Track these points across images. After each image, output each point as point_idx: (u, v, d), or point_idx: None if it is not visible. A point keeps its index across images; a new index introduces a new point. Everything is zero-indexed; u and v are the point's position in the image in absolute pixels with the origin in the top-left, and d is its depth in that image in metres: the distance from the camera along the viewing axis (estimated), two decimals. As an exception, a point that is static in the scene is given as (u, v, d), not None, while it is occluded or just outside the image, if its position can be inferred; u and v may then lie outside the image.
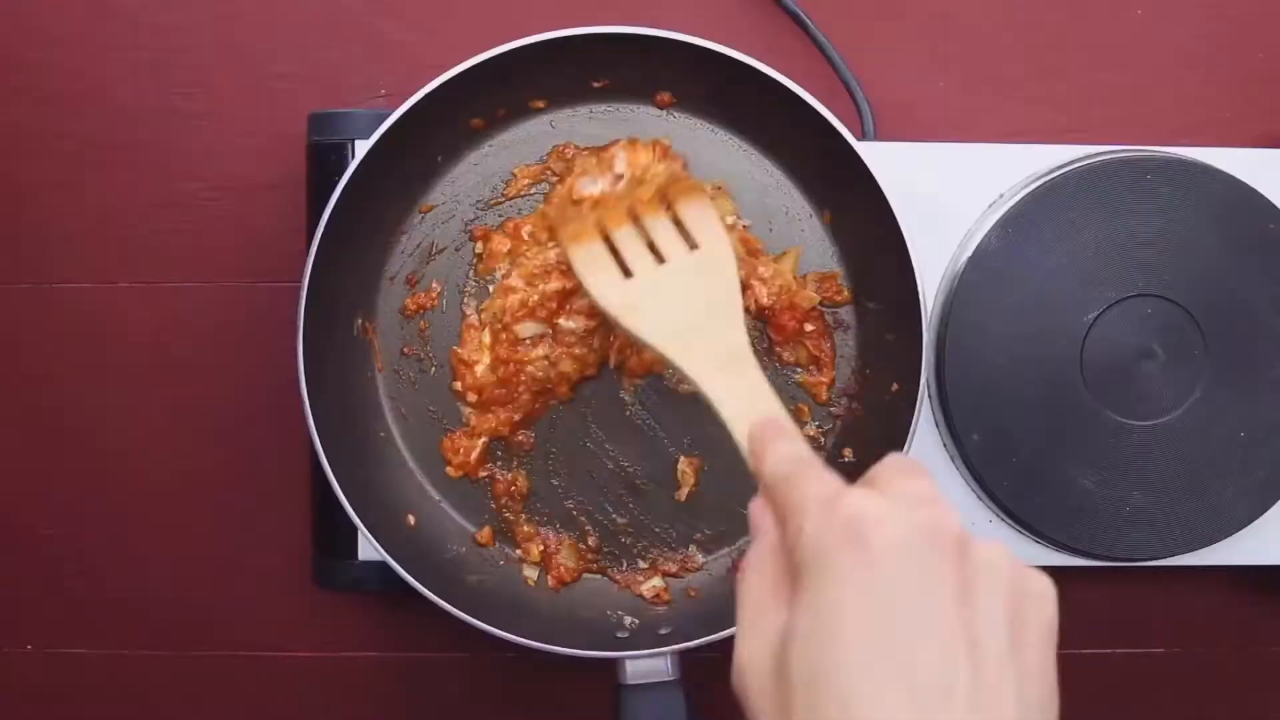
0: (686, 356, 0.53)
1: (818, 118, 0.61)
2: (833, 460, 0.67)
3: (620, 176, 0.60)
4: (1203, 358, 0.65)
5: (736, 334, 0.54)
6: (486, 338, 0.66)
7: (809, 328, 0.66)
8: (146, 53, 0.70)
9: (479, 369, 0.66)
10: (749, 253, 0.66)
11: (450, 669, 0.73)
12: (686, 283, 0.56)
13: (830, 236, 0.67)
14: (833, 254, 0.67)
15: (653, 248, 0.58)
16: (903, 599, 0.37)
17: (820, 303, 0.67)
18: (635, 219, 0.58)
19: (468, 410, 0.67)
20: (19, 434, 0.72)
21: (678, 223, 0.58)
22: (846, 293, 0.67)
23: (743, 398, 0.50)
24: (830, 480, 0.41)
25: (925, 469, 0.42)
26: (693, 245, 0.57)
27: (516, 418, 0.66)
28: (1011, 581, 0.39)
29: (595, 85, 0.66)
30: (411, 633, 0.73)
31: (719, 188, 0.67)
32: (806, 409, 0.67)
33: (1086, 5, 0.72)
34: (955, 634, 0.36)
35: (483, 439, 0.67)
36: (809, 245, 0.67)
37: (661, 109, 0.67)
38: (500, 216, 0.67)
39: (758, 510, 0.43)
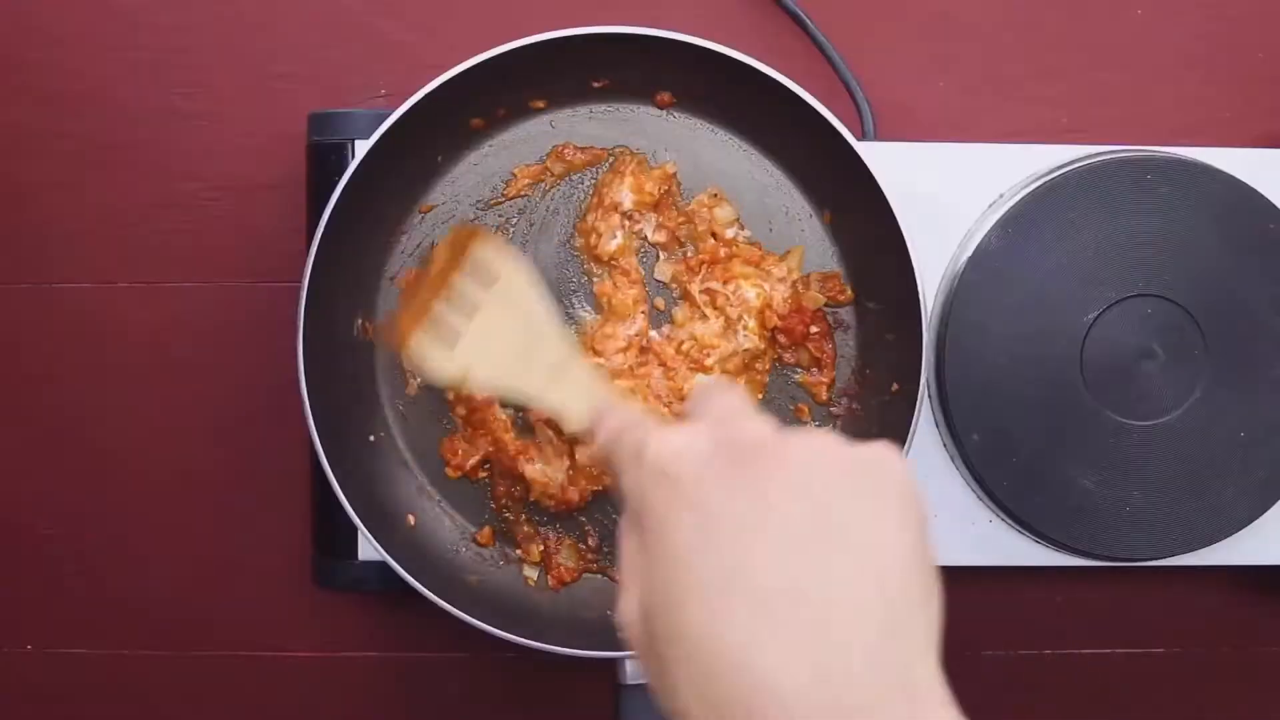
0: (522, 385, 0.54)
1: (818, 118, 0.61)
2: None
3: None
4: (1203, 358, 0.65)
5: (556, 345, 0.54)
6: None
7: (814, 329, 0.66)
8: (146, 53, 0.70)
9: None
10: (750, 260, 0.66)
11: (450, 669, 0.73)
12: (495, 320, 0.56)
13: (830, 236, 0.67)
14: (833, 254, 0.67)
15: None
16: (726, 523, 0.35)
17: (824, 303, 0.67)
18: (445, 290, 0.58)
19: (460, 420, 0.67)
20: (19, 434, 0.72)
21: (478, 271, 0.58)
22: (849, 292, 0.67)
23: (579, 396, 0.51)
24: (644, 429, 0.40)
25: (737, 386, 0.41)
26: (492, 281, 0.57)
27: (519, 445, 0.67)
28: (842, 462, 0.37)
29: (595, 85, 0.66)
30: (411, 633, 0.73)
31: (715, 195, 0.67)
32: (806, 409, 0.67)
33: (1086, 5, 0.72)
34: (790, 542, 0.35)
35: (476, 456, 0.67)
36: (809, 245, 0.67)
37: (661, 109, 0.67)
38: (500, 217, 0.67)
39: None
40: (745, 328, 0.66)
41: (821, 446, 0.38)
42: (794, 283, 0.66)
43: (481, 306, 0.57)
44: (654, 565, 0.37)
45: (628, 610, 0.39)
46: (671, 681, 0.36)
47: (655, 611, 0.36)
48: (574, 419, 0.50)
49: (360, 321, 0.66)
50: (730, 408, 0.40)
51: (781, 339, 0.67)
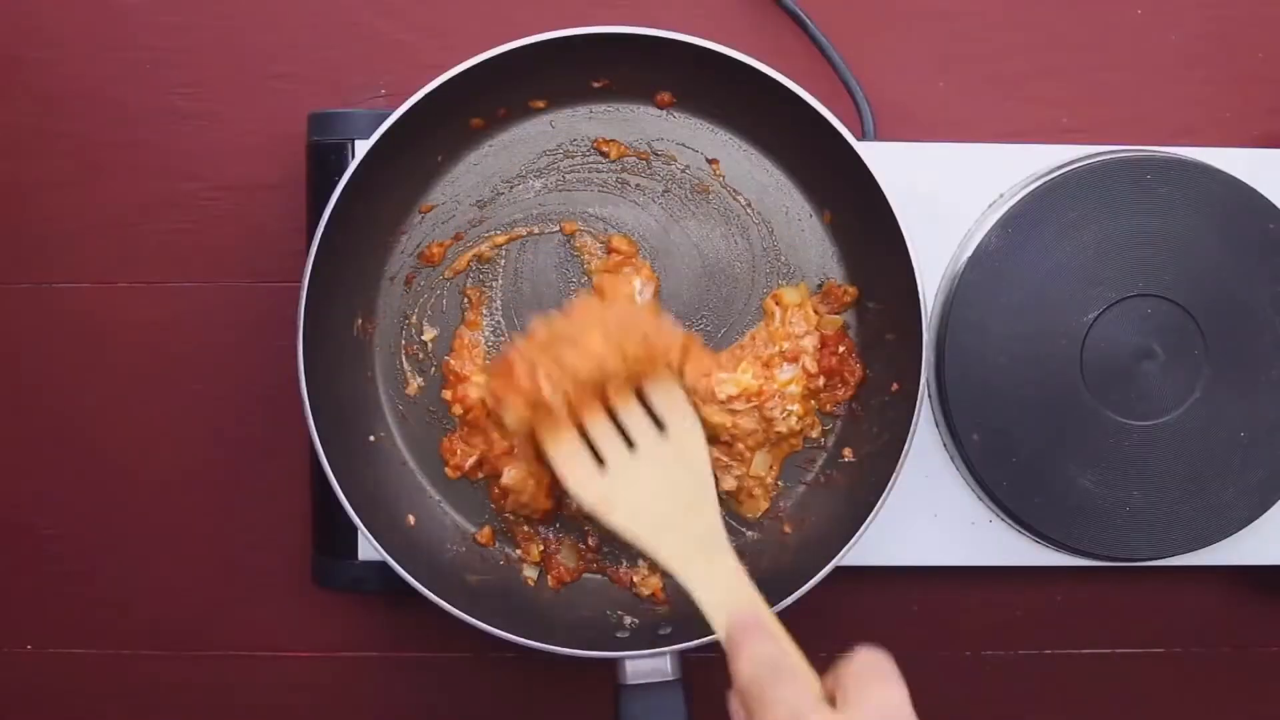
0: (660, 545, 0.54)
1: (818, 118, 0.61)
2: (833, 460, 0.67)
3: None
4: (1203, 358, 0.65)
5: (709, 518, 0.54)
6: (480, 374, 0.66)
7: (840, 348, 0.66)
8: (146, 53, 0.70)
9: (471, 390, 0.66)
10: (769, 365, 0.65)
11: (450, 669, 0.73)
12: (657, 470, 0.56)
13: (830, 236, 0.67)
14: (833, 254, 0.67)
15: (624, 431, 0.57)
16: None
17: (842, 322, 0.67)
18: (606, 402, 0.57)
19: (458, 420, 0.67)
20: (19, 434, 0.72)
21: (646, 404, 0.58)
22: (852, 291, 0.66)
23: (719, 585, 0.51)
24: (799, 692, 0.41)
25: (893, 670, 0.42)
26: (661, 427, 0.57)
27: (505, 446, 0.66)
28: None
29: (595, 85, 0.66)
30: (411, 633, 0.73)
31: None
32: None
33: (1087, 5, 0.72)
34: None
35: (474, 457, 0.67)
36: (809, 245, 0.67)
37: (661, 109, 0.67)
38: (499, 226, 0.67)
39: (734, 708, 0.44)
40: (788, 413, 0.65)
41: None
42: (817, 322, 0.66)
43: (643, 447, 0.56)
44: None
45: None
46: None
47: None
48: (711, 614, 0.50)
49: (360, 321, 0.66)
50: (890, 708, 0.40)
51: (823, 381, 0.66)
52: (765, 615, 0.49)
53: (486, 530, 0.67)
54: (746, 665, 0.45)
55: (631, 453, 0.56)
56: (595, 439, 0.56)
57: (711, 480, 0.56)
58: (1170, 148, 0.67)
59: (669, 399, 0.57)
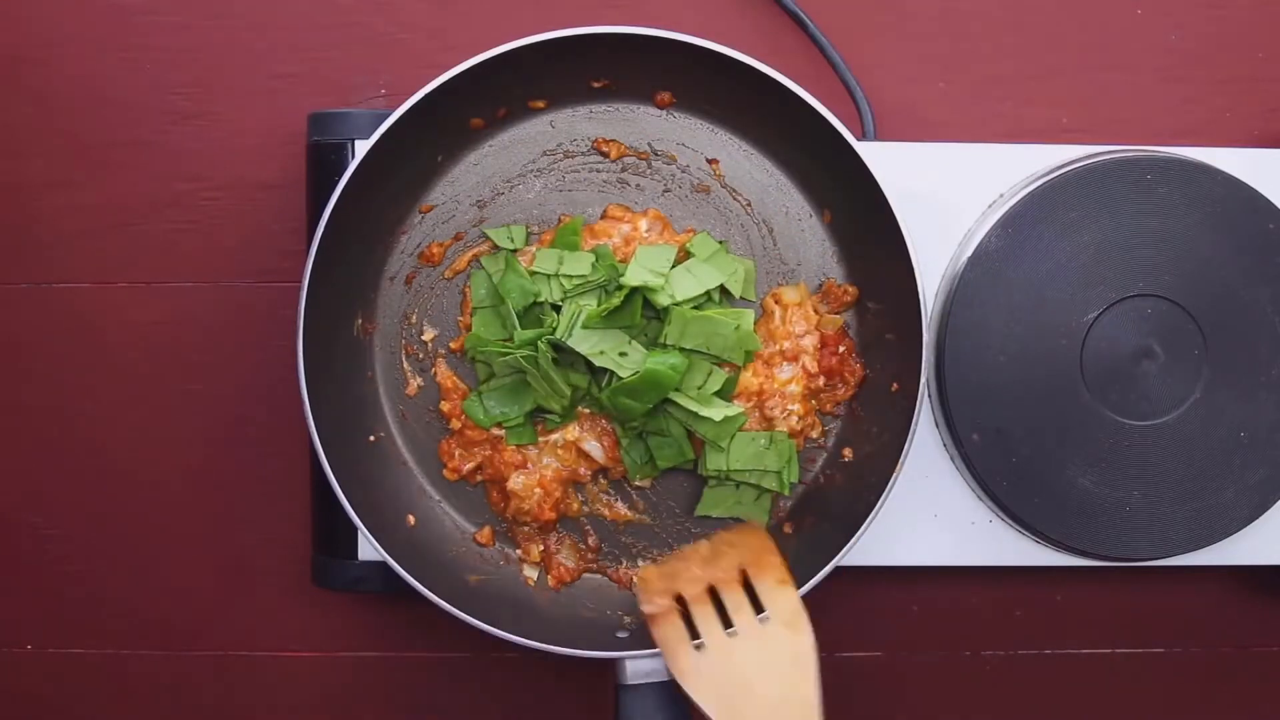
0: None
1: (818, 118, 0.61)
2: (833, 460, 0.67)
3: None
4: (1203, 358, 0.65)
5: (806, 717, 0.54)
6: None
7: (840, 348, 0.66)
8: (146, 53, 0.70)
9: (511, 484, 0.66)
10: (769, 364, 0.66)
11: (450, 669, 0.73)
12: (755, 660, 0.57)
13: (830, 236, 0.67)
14: (833, 254, 0.67)
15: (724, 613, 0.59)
16: None
17: (842, 321, 0.67)
18: (712, 590, 0.59)
19: (454, 431, 0.67)
20: (19, 434, 0.72)
21: (752, 593, 0.59)
22: (852, 290, 0.66)
23: None
24: None
25: None
26: (764, 617, 0.58)
27: (517, 458, 0.66)
28: None
29: (595, 85, 0.66)
30: (411, 633, 0.73)
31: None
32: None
33: (1087, 5, 0.72)
34: None
35: (473, 463, 0.67)
36: (809, 245, 0.67)
37: (661, 109, 0.67)
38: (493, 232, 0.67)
39: None
40: (789, 413, 0.66)
41: None
42: (817, 322, 0.66)
43: (745, 637, 0.57)
44: None
45: None
46: None
47: None
48: None
49: (360, 321, 0.66)
50: None
51: (823, 381, 0.66)
52: None
53: (486, 530, 0.67)
54: None
55: (728, 634, 0.58)
56: (695, 616, 0.58)
57: (817, 686, 0.55)
58: (1170, 148, 0.67)
59: (778, 599, 0.58)
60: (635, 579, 0.64)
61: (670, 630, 0.58)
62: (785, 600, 0.58)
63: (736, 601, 0.58)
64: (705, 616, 0.58)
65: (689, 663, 0.57)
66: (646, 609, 0.58)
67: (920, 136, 0.70)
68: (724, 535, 0.60)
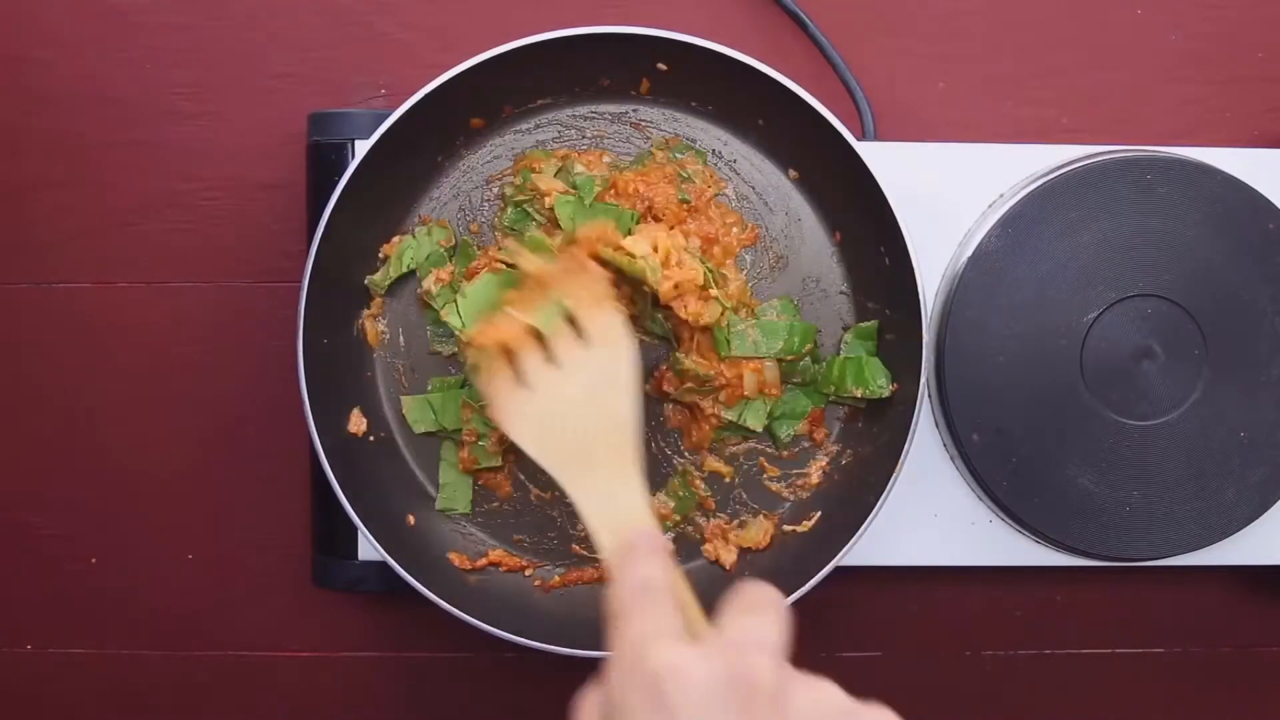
0: (566, 477, 0.51)
1: (818, 118, 0.61)
2: (833, 460, 0.67)
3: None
4: (1203, 358, 0.65)
5: (625, 449, 0.51)
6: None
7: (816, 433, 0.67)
8: (146, 53, 0.70)
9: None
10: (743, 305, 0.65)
11: (450, 669, 0.73)
12: (577, 389, 0.54)
13: (829, 236, 0.67)
14: (833, 254, 0.67)
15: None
16: None
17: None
18: (539, 337, 0.56)
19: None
20: (19, 434, 0.72)
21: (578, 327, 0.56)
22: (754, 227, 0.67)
23: (616, 507, 0.49)
24: (658, 617, 0.40)
25: (774, 599, 0.40)
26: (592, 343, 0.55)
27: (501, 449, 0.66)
28: None
29: (595, 85, 0.66)
30: (411, 633, 0.73)
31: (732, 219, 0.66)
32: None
33: (1086, 5, 0.72)
34: None
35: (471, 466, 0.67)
36: (810, 247, 0.67)
37: (660, 108, 0.67)
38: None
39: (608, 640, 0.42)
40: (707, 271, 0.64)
41: (823, 704, 0.38)
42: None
43: (567, 366, 0.54)
44: None
45: None
46: None
47: None
48: (598, 535, 0.48)
49: (360, 321, 0.66)
50: (752, 635, 0.39)
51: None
52: (657, 541, 0.45)
53: (486, 530, 0.67)
54: (619, 587, 0.42)
55: (551, 366, 0.55)
56: (521, 363, 0.55)
57: (634, 410, 0.52)
58: (1170, 148, 0.67)
59: (597, 319, 0.55)
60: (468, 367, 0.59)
61: (494, 380, 0.55)
62: (603, 318, 0.55)
63: (559, 338, 0.55)
64: (528, 355, 0.55)
65: (510, 405, 0.54)
66: (470, 363, 0.54)
67: (920, 136, 0.70)
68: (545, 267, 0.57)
